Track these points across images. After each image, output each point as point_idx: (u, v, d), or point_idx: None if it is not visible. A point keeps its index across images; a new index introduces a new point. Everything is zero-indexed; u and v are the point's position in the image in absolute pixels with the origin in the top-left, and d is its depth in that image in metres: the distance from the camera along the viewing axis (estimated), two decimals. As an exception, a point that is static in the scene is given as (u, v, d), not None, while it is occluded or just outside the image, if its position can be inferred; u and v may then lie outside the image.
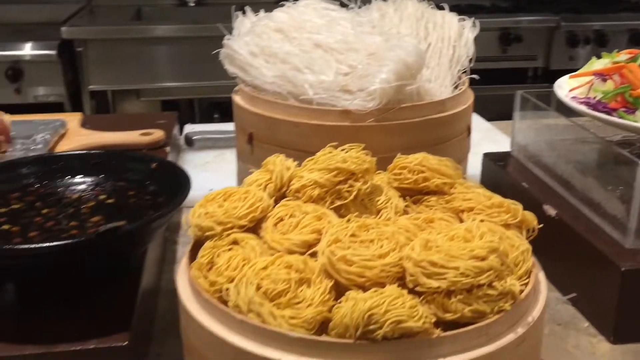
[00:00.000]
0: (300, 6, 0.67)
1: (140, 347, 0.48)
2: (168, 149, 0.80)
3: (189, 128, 1.03)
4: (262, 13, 0.71)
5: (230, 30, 0.68)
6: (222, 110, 2.37)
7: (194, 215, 0.43)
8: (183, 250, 0.70)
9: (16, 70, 1.90)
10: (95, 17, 2.18)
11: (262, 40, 0.64)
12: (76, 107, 2.02)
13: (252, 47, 0.64)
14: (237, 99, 0.65)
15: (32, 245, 0.42)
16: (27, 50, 1.92)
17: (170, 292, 0.62)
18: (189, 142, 0.93)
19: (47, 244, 0.41)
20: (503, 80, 2.06)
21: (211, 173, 0.85)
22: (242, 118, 0.64)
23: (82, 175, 0.56)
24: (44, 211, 0.51)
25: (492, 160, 0.77)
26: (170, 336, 0.54)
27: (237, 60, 0.64)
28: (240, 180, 0.67)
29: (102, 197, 0.54)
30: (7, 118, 0.71)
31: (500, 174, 0.74)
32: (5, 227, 0.48)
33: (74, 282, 0.48)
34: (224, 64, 0.66)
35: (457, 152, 0.62)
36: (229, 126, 1.04)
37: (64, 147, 0.75)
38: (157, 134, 0.80)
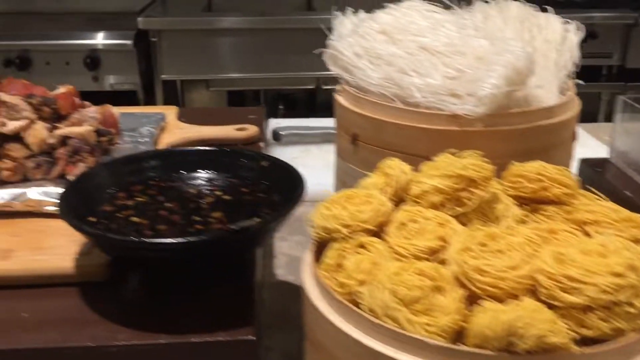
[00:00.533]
0: (404, 8, 0.67)
1: (260, 340, 0.50)
2: (262, 144, 0.82)
3: (274, 123, 1.05)
4: (361, 13, 0.72)
5: (328, 28, 0.69)
6: (287, 102, 2.41)
7: (318, 216, 0.45)
8: (280, 245, 0.72)
9: (94, 59, 1.99)
10: (168, 8, 2.24)
11: (366, 41, 0.64)
12: (148, 95, 2.10)
13: (357, 49, 0.64)
14: (340, 99, 0.66)
15: (176, 240, 0.44)
16: (105, 39, 2.00)
17: (272, 285, 0.64)
18: (276, 137, 0.96)
19: (191, 239, 0.44)
20: (576, 78, 1.99)
21: (300, 168, 0.87)
22: (345, 118, 0.65)
23: (197, 171, 0.59)
24: (167, 205, 0.54)
25: (590, 166, 0.75)
26: (277, 330, 0.57)
27: (341, 60, 0.65)
28: (338, 178, 0.68)
29: (218, 193, 0.56)
30: (116, 111, 0.75)
31: (598, 180, 0.73)
32: (135, 219, 0.51)
33: (196, 275, 0.50)
34: (327, 64, 0.67)
35: (563, 158, 0.62)
36: (313, 122, 1.06)
37: (165, 140, 0.78)
38: (252, 130, 0.82)
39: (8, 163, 0.60)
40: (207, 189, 0.57)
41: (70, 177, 0.61)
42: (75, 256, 0.52)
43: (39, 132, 0.62)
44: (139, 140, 0.74)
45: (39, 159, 0.62)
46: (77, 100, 0.69)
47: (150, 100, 2.13)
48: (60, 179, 0.62)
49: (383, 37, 0.65)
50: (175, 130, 0.81)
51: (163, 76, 2.09)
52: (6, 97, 0.62)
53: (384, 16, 0.66)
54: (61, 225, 0.56)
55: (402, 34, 0.64)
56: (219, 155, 0.60)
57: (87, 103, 0.72)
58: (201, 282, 0.51)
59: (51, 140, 0.63)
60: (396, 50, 0.62)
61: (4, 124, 0.61)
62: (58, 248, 0.54)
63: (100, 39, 2.02)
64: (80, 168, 0.62)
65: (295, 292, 0.64)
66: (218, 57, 2.06)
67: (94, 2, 2.38)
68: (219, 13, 2.26)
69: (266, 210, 0.53)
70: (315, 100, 2.47)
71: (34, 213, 0.59)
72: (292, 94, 2.40)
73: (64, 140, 0.64)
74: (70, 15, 2.30)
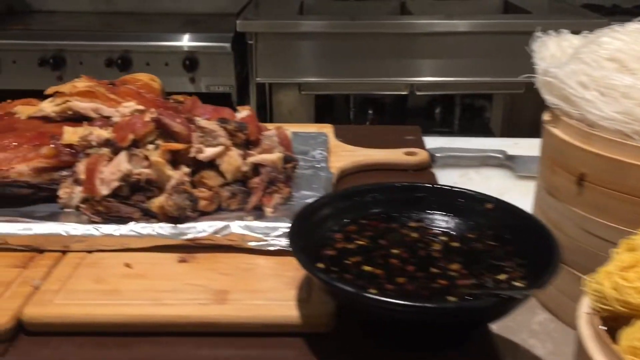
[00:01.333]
0: (633, 32, 0.60)
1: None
2: (434, 170, 0.76)
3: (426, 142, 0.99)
4: (568, 35, 0.65)
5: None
6: (375, 107, 2.36)
7: (610, 286, 0.39)
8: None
9: (192, 61, 1.99)
10: (262, 10, 2.23)
11: (593, 70, 0.57)
12: (242, 98, 2.09)
13: (582, 78, 0.58)
14: (558, 132, 0.59)
15: (453, 305, 0.39)
16: (204, 41, 1.99)
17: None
18: (432, 158, 0.90)
19: (469, 304, 0.39)
20: None
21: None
22: (566, 154, 0.58)
23: (408, 209, 0.54)
24: (394, 251, 0.49)
25: None
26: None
27: (560, 90, 0.59)
28: (546, 218, 0.61)
29: (443, 238, 0.51)
30: (289, 133, 0.71)
31: None
32: (367, 268, 0.47)
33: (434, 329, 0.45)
34: (541, 92, 0.61)
35: None
36: (469, 142, 1.00)
37: (335, 164, 0.73)
38: (423, 155, 0.77)
39: (205, 192, 0.57)
40: (430, 233, 0.52)
41: (268, 210, 0.58)
42: (294, 302, 0.48)
43: (234, 160, 0.59)
44: (316, 165, 0.69)
45: (234, 188, 0.59)
46: (259, 123, 0.65)
47: (243, 103, 2.12)
48: (256, 210, 0.58)
49: (613, 65, 0.58)
50: (342, 152, 0.77)
51: (258, 79, 2.08)
52: (203, 123, 0.58)
53: (610, 41, 0.59)
54: (267, 264, 0.52)
55: (637, 62, 0.57)
56: (432, 193, 0.55)
57: (263, 125, 0.68)
58: (436, 337, 0.46)
59: (244, 168, 0.59)
60: (635, 82, 0.55)
61: (200, 151, 0.58)
62: (272, 292, 0.50)
63: (199, 41, 2.02)
64: (275, 199, 0.58)
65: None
66: (311, 60, 2.04)
67: (190, 3, 2.40)
68: (314, 16, 2.23)
69: (508, 264, 0.47)
70: (405, 106, 2.40)
71: (234, 247, 0.55)
72: (381, 98, 2.35)
73: (256, 168, 0.60)
74: (166, 17, 2.32)
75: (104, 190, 0.56)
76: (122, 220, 0.56)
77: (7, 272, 0.51)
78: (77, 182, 0.59)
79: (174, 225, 0.55)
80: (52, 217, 0.57)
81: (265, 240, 0.54)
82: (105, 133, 0.60)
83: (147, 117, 0.59)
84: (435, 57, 2.02)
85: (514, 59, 1.84)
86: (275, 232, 0.54)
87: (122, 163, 0.56)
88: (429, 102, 2.33)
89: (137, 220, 0.56)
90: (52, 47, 1.97)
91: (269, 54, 2.00)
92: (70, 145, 0.61)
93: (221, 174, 0.59)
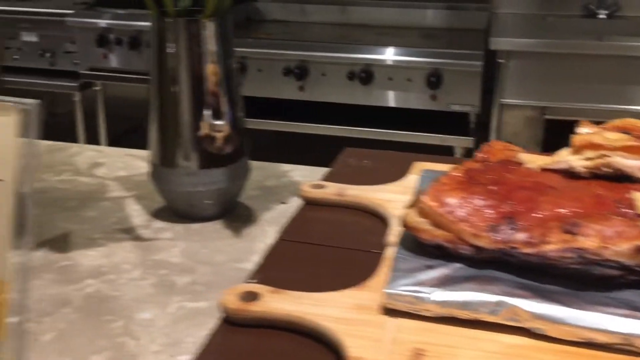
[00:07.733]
0: None
1: None
2: None
3: None
4: None
5: None
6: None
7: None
8: None
9: (437, 77, 1.88)
10: (507, 28, 2.06)
11: None
12: (478, 118, 1.95)
13: None
14: None
15: None
16: (452, 59, 1.87)
17: None
18: None
19: None
20: None
21: None
22: None
23: None
24: None
25: None
26: None
27: None
28: None
29: None
30: None
31: None
32: None
33: None
34: None
35: None
36: None
37: None
38: None
39: None
40: None
41: None
42: None
43: None
44: None
45: None
46: None
47: (480, 123, 1.98)
48: None
49: None
50: None
51: (503, 100, 1.94)
52: None
53: None
54: None
55: None
56: None
57: None
58: None
59: None
60: None
61: None
62: None
63: (447, 58, 1.91)
64: None
65: None
66: (557, 83, 1.86)
67: (424, 17, 2.30)
68: (568, 35, 2.01)
69: None
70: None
71: None
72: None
73: None
74: (403, 30, 2.23)
75: None
76: None
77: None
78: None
79: None
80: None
81: None
82: None
83: None
84: None
85: None
86: None
87: None
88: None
89: None
90: (296, 58, 1.97)
91: (517, 74, 1.86)
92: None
93: None
